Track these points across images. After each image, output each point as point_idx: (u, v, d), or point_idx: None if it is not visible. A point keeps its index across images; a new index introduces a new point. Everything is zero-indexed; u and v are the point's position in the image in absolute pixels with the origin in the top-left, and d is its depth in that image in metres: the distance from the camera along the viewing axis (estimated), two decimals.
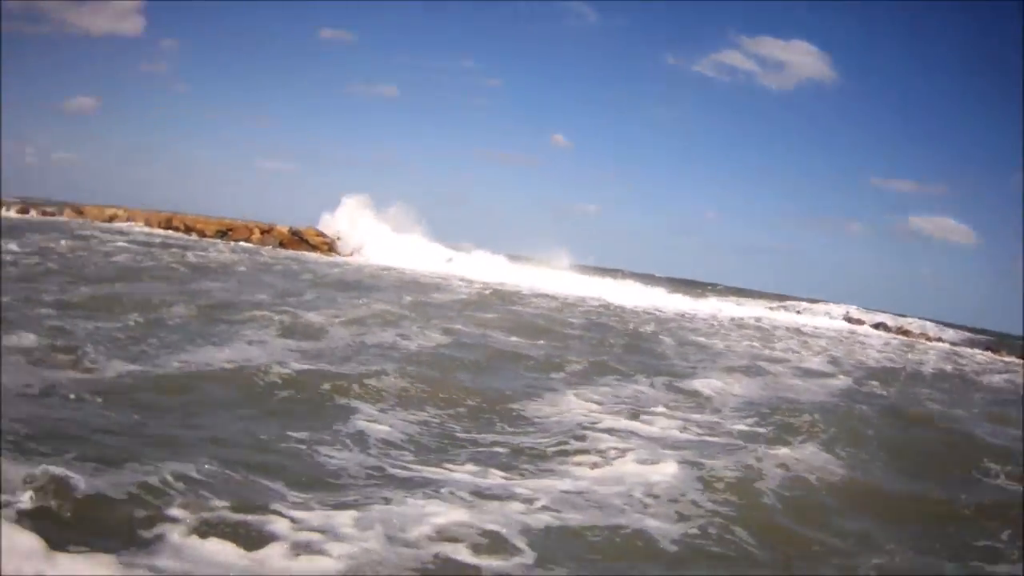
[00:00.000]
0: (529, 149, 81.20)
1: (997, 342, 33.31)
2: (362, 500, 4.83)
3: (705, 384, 10.49)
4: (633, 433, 7.32)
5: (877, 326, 35.29)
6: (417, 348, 10.49)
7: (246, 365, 7.93)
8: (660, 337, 16.91)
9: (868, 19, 66.22)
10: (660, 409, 8.52)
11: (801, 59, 60.34)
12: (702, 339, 18.12)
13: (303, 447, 5.78)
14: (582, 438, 6.90)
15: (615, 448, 6.64)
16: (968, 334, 35.81)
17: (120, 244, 22.56)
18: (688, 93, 68.95)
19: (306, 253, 32.25)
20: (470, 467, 5.82)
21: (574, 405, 8.29)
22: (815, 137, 72.61)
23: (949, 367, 20.69)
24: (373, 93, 68.36)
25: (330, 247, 34.81)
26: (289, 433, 6.04)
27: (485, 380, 9.09)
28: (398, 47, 76.36)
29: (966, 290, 63.84)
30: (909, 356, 22.22)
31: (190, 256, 21.45)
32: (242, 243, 32.55)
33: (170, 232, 33.63)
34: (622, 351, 13.63)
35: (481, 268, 33.94)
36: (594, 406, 8.33)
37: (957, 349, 29.86)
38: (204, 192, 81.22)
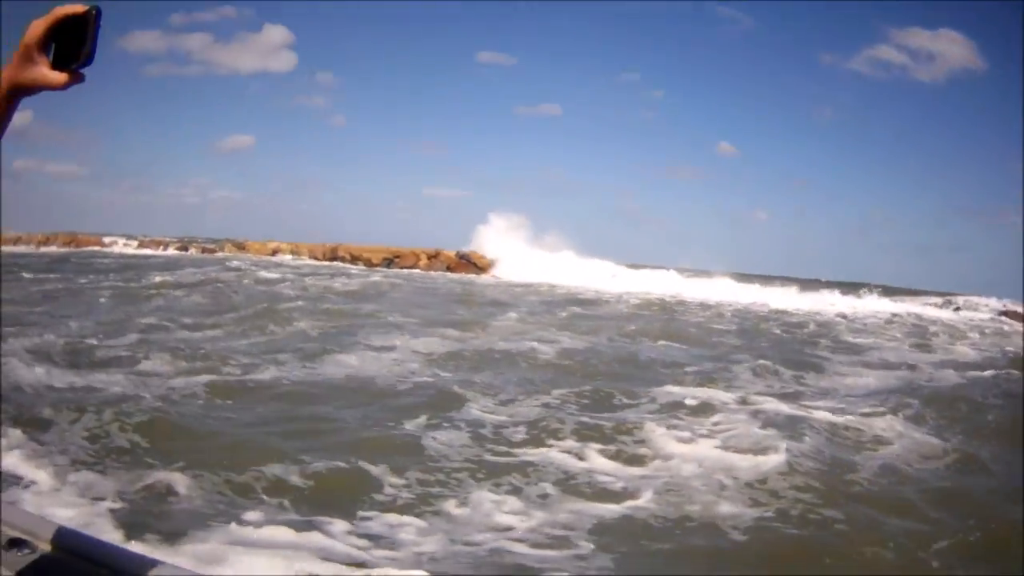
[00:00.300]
0: (696, 160, 78.04)
1: None
2: None
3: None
4: None
5: None
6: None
7: None
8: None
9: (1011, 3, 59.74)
10: None
11: (950, 48, 56.29)
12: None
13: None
14: None
15: None
16: None
17: (283, 275, 21.51)
18: (845, 91, 64.67)
19: (472, 275, 30.50)
20: None
21: None
22: (969, 127, 66.45)
23: None
24: (537, 113, 67.24)
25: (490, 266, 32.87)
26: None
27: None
28: (558, 66, 75.07)
29: None
30: None
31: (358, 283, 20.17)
32: (407, 270, 31.28)
33: (335, 263, 32.89)
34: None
35: (646, 282, 30.90)
36: None
37: None
38: (370, 222, 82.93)
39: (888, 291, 39.80)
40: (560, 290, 25.56)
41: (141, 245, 36.71)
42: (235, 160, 70.35)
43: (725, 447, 6.39)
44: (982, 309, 33.00)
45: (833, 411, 7.86)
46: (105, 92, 64.28)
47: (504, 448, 6.15)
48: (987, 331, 21.61)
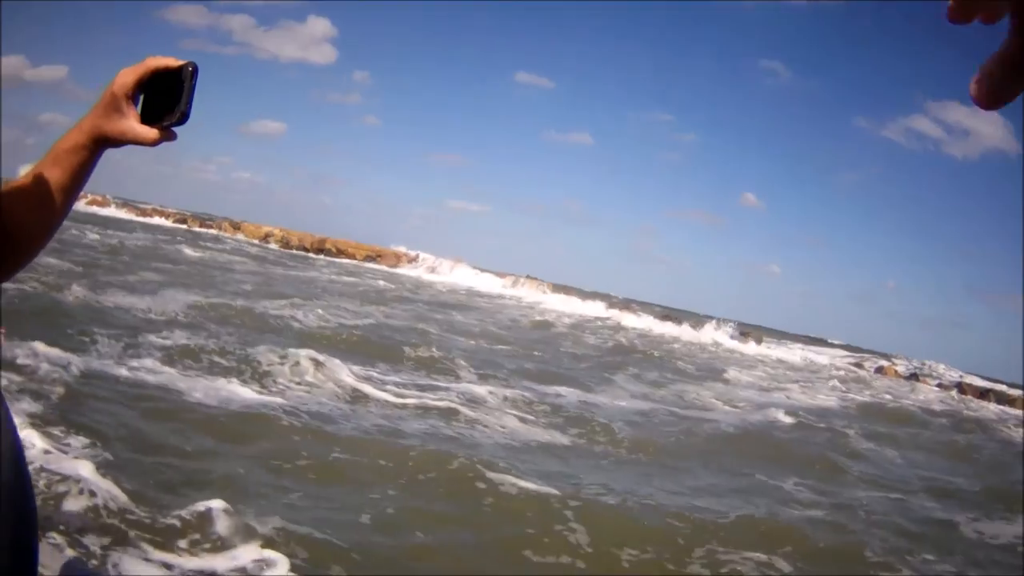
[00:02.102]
0: (719, 206, 78.59)
1: None
2: None
3: None
4: None
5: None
6: None
7: None
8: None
9: None
10: None
11: (986, 127, 56.40)
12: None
13: None
14: None
15: None
16: None
17: (235, 258, 22.78)
18: (876, 158, 65.34)
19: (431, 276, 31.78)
20: None
21: None
22: (996, 209, 66.89)
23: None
24: (567, 141, 67.94)
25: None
26: None
27: None
28: (595, 96, 75.87)
29: None
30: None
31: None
32: (386, 268, 32.61)
33: (320, 255, 34.24)
34: None
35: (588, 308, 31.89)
36: None
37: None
38: (388, 224, 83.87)
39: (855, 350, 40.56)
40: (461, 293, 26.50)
41: (139, 212, 38.12)
42: (263, 144, 71.65)
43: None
44: (945, 377, 33.46)
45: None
46: (140, 58, 65.98)
47: None
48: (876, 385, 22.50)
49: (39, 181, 1.29)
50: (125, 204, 39.50)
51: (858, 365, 32.60)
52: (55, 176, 1.30)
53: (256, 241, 35.18)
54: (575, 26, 69.81)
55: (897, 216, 72.69)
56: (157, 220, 36.07)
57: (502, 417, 7.61)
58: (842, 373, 24.91)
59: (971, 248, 68.24)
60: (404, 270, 32.99)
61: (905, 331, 72.05)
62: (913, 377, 31.69)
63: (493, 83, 73.10)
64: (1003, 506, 7.58)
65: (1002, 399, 28.81)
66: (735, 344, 29.47)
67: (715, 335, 30.70)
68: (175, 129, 1.29)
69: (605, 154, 70.78)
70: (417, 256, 35.21)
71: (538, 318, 21.58)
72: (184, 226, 36.45)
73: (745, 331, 37.90)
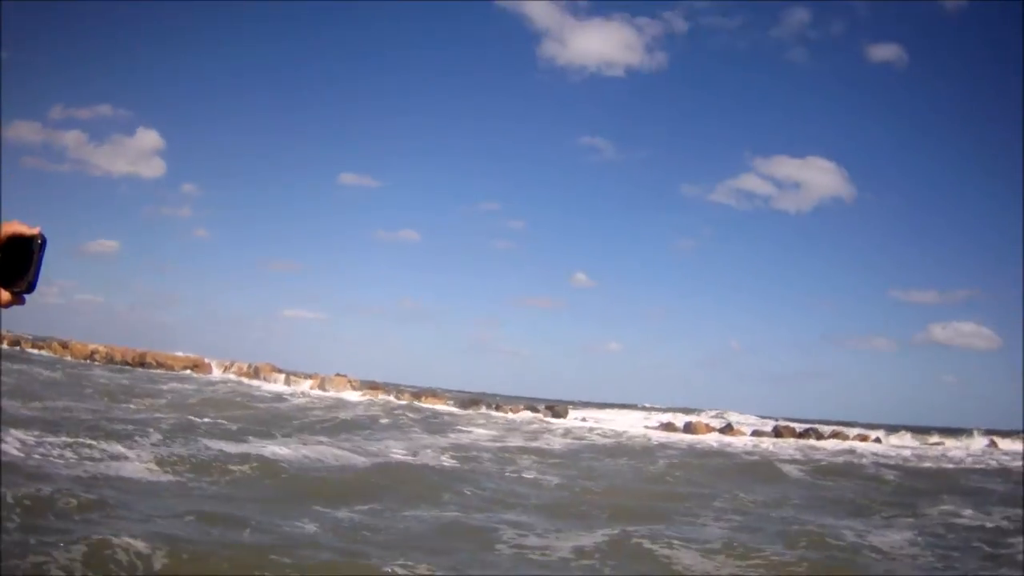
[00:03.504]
0: (553, 289, 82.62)
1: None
2: None
3: None
4: None
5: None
6: None
7: None
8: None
9: (880, 129, 67.62)
10: None
11: (817, 177, 60.80)
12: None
13: None
14: None
15: None
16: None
17: (49, 374, 26.36)
18: (705, 222, 69.95)
19: (261, 383, 35.62)
20: None
21: None
22: (834, 256, 72.70)
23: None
24: (396, 239, 71.24)
25: (286, 379, 38.29)
26: None
27: None
28: (420, 191, 79.44)
29: (990, 394, 62.63)
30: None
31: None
32: (205, 376, 36.25)
33: (144, 366, 37.69)
34: None
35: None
36: None
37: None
38: (230, 338, 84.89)
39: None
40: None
41: None
42: (100, 264, 72.28)
43: None
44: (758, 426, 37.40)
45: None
46: None
47: None
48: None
49: None
50: None
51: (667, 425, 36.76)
52: None
53: (83, 360, 38.36)
54: (395, 122, 74.06)
55: (734, 276, 77.80)
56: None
57: None
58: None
59: (816, 297, 73.34)
60: (212, 376, 36.75)
61: (756, 389, 76.47)
62: (727, 428, 36.31)
63: (319, 186, 75.76)
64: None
65: (819, 436, 33.34)
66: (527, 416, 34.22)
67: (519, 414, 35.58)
68: (25, 296, 1.41)
69: (435, 248, 74.05)
70: (232, 363, 39.09)
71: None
72: (18, 348, 39.35)
73: (551, 405, 42.92)
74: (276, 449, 13.04)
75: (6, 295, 1.43)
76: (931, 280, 71.90)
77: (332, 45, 70.78)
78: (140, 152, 72.72)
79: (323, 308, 77.41)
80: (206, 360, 39.29)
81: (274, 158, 77.76)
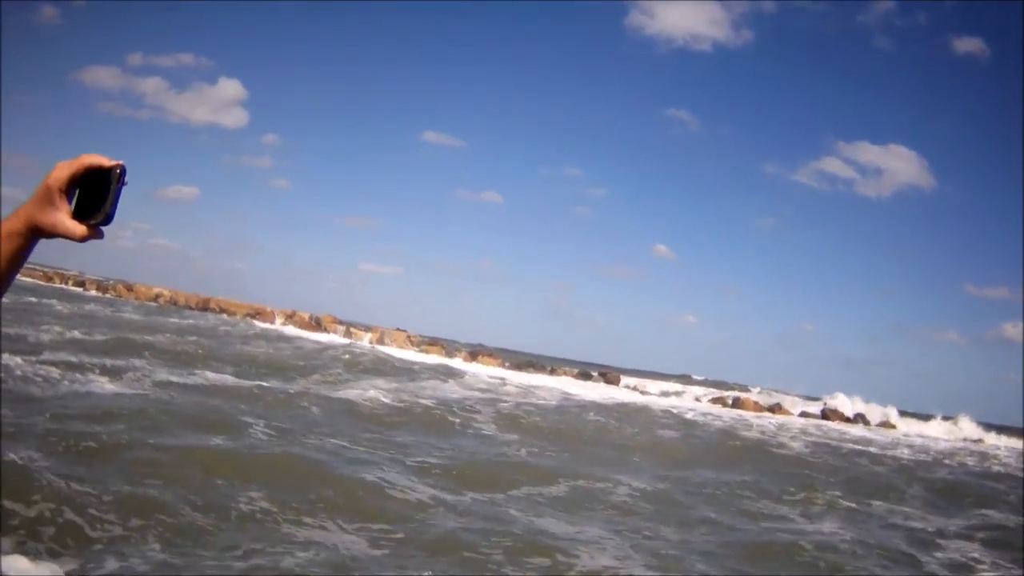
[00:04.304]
0: (632, 260, 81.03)
1: None
2: None
3: None
4: None
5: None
6: None
7: None
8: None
9: (962, 121, 65.54)
10: None
11: (898, 164, 59.50)
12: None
13: None
14: None
15: None
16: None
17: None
18: (787, 203, 68.53)
19: (318, 334, 35.75)
20: None
21: None
22: (911, 245, 70.67)
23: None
24: (479, 200, 70.07)
25: (347, 331, 38.37)
26: None
27: None
28: (504, 154, 78.36)
29: None
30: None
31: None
32: (267, 324, 36.49)
33: (207, 311, 38.13)
34: None
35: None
36: None
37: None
38: (304, 289, 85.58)
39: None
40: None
41: (43, 277, 41.64)
42: (177, 210, 72.65)
43: None
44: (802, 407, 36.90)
45: None
46: (61, 123, 68.54)
47: None
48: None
49: None
50: (29, 271, 43.00)
51: (718, 400, 36.30)
52: None
53: (147, 301, 38.98)
54: (481, 84, 73.29)
55: (812, 259, 76.29)
56: (58, 284, 39.63)
57: None
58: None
59: (891, 285, 71.88)
60: (272, 325, 36.96)
61: (827, 372, 75.38)
62: (776, 407, 35.64)
63: (402, 143, 75.01)
64: None
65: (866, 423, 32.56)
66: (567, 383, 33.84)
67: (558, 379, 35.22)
68: (103, 228, 1.40)
69: (516, 211, 73.13)
70: (294, 313, 39.32)
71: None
72: (81, 289, 40.14)
73: (604, 371, 42.54)
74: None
75: (82, 228, 1.38)
76: (1006, 277, 69.63)
77: (420, 7, 70.05)
78: (222, 101, 72.86)
79: (399, 263, 77.37)
80: (268, 308, 39.54)
81: (357, 113, 77.48)
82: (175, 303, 39.79)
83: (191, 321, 28.55)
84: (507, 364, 39.05)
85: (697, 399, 35.20)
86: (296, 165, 74.50)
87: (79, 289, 39.79)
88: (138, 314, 28.60)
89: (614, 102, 73.66)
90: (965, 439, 30.59)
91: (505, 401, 17.60)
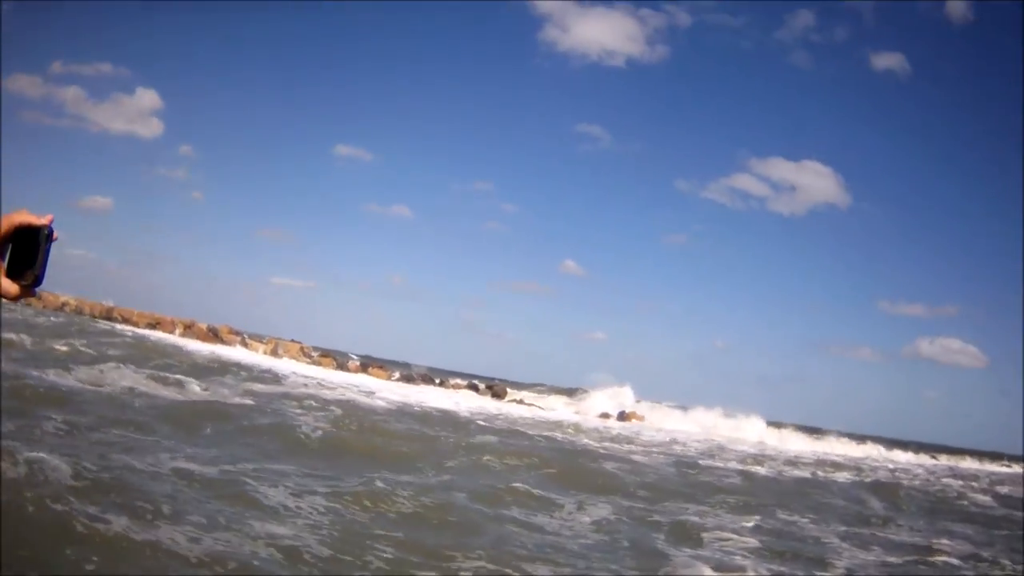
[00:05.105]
0: (543, 275, 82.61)
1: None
2: None
3: None
4: None
5: None
6: None
7: None
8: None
9: (879, 138, 68.23)
10: None
11: (813, 181, 61.06)
12: None
13: None
14: None
15: None
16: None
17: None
18: (697, 219, 70.50)
19: (217, 346, 38.15)
20: None
21: None
22: (825, 262, 73.12)
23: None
24: (389, 213, 71.19)
25: (243, 342, 40.90)
26: None
27: None
28: (414, 167, 79.12)
29: (972, 412, 63.94)
30: None
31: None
32: (165, 335, 38.77)
33: (109, 321, 40.25)
34: None
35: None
36: None
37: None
38: (217, 301, 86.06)
39: None
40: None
41: None
42: (94, 220, 73.25)
43: None
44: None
45: None
46: None
47: None
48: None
49: None
50: None
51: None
52: None
53: (55, 310, 40.91)
54: (392, 97, 74.91)
55: (724, 274, 78.25)
56: None
57: None
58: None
59: (804, 302, 73.99)
60: (173, 338, 39.30)
61: (738, 388, 77.51)
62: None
63: (314, 156, 76.24)
64: None
65: None
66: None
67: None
68: (35, 288, 1.41)
69: (426, 226, 74.63)
70: (193, 323, 41.69)
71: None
72: None
73: (491, 385, 45.52)
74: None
75: (15, 288, 1.42)
76: (920, 294, 72.68)
77: (334, 15, 72.10)
78: (139, 111, 73.22)
79: (313, 277, 78.67)
80: (168, 318, 41.83)
81: (272, 125, 78.45)
82: (80, 311, 41.83)
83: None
84: (396, 376, 41.84)
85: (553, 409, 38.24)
86: (210, 176, 74.74)
87: None
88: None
89: (526, 116, 74.89)
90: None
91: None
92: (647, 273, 76.76)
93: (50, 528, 6.28)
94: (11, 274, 1.45)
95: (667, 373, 69.82)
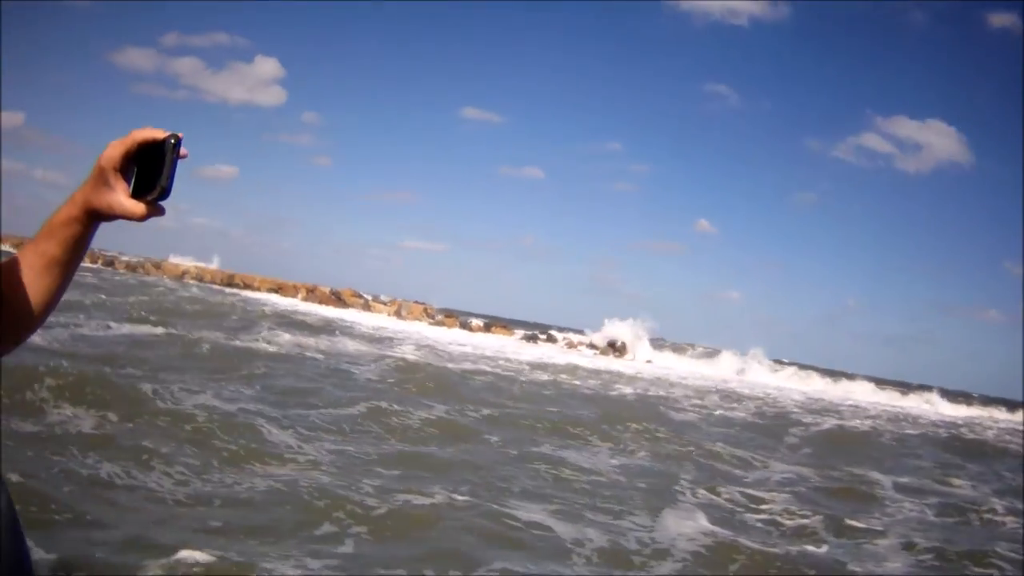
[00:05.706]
0: (675, 236, 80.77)
1: None
2: None
3: None
4: None
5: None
6: None
7: None
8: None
9: (1000, 97, 65.06)
10: None
11: (937, 140, 59.07)
12: None
13: None
14: None
15: None
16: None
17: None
18: (828, 178, 68.52)
19: (339, 309, 37.24)
20: None
21: None
22: (951, 221, 70.16)
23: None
24: (520, 175, 69.72)
25: (365, 305, 39.89)
26: None
27: None
28: (544, 129, 77.79)
29: None
30: None
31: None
32: (287, 298, 38.03)
33: (232, 288, 39.70)
34: None
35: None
36: None
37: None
38: (346, 266, 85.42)
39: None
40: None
41: None
42: (217, 189, 72.86)
43: None
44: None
45: None
46: (96, 105, 69.46)
47: None
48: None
49: (35, 255, 1.32)
50: None
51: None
52: (50, 250, 1.32)
53: (175, 278, 40.62)
54: (519, 60, 73.38)
55: (853, 234, 75.85)
56: (88, 264, 41.32)
57: None
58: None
59: (930, 263, 71.04)
60: (294, 301, 38.50)
61: (868, 350, 74.94)
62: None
63: (441, 119, 74.87)
64: None
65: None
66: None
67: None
68: (162, 204, 1.32)
69: (558, 187, 73.19)
70: (315, 288, 40.87)
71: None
72: (111, 268, 41.76)
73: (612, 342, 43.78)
74: None
75: (141, 207, 1.32)
76: None
77: None
78: (258, 79, 73.00)
79: (443, 240, 77.90)
80: (290, 283, 41.08)
81: (396, 89, 77.65)
82: (201, 279, 41.39)
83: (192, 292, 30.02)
84: (519, 336, 40.47)
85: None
86: (336, 142, 74.20)
87: (109, 269, 41.46)
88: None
89: (652, 76, 73.46)
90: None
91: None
92: (778, 232, 74.30)
93: None
94: (137, 194, 1.32)
95: (800, 334, 67.82)
